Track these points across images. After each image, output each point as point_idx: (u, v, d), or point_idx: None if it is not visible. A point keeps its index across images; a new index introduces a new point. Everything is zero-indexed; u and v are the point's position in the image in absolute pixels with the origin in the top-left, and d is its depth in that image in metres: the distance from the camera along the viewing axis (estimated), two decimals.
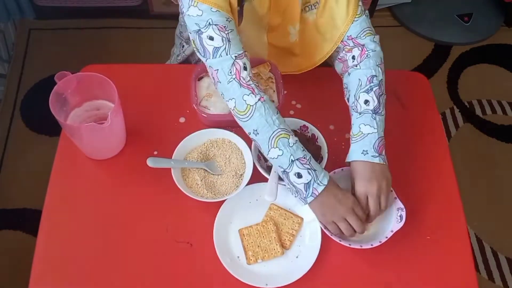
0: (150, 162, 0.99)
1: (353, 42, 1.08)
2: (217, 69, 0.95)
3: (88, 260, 0.97)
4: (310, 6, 1.09)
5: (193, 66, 1.29)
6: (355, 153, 0.99)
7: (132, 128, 1.11)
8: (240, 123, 0.97)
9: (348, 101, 1.06)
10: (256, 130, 0.95)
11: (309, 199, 0.93)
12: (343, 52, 1.10)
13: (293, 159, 0.93)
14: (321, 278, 0.98)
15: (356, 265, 1.00)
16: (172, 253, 0.99)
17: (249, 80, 0.95)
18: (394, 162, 1.12)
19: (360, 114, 1.01)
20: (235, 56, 0.95)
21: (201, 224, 1.01)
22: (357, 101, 1.03)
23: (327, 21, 1.09)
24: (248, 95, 0.94)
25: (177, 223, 1.02)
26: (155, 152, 1.09)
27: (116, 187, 1.06)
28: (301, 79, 1.23)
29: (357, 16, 1.07)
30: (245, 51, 0.97)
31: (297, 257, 1.00)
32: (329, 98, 1.21)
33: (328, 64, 1.17)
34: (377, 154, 0.98)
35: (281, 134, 0.94)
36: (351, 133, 1.02)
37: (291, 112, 1.17)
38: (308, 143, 1.10)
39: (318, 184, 0.93)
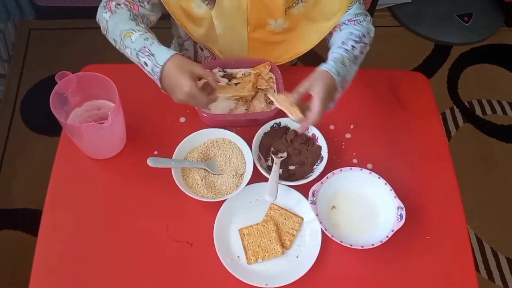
0: (151, 162, 0.99)
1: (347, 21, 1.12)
2: (98, 9, 1.07)
3: (88, 260, 0.97)
4: (297, 1, 1.09)
5: None
6: (329, 67, 0.98)
7: (133, 127, 1.11)
8: (110, 41, 1.05)
9: (331, 47, 1.09)
10: (114, 39, 1.03)
11: (159, 83, 0.98)
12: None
13: (137, 52, 0.98)
14: (321, 278, 0.98)
15: (356, 265, 1.00)
16: (172, 253, 0.99)
17: (113, 5, 1.04)
18: (394, 162, 1.12)
19: (345, 50, 1.03)
20: None
21: (201, 224, 1.01)
22: (345, 44, 1.05)
23: (318, 13, 1.11)
24: (106, 13, 1.04)
25: (177, 223, 1.02)
26: (156, 152, 1.09)
27: (117, 187, 1.06)
28: (301, 79, 1.23)
29: (350, 5, 1.10)
30: (132, 2, 1.05)
31: (297, 257, 1.00)
32: None
33: None
34: (341, 87, 0.99)
35: (126, 34, 0.99)
36: (329, 55, 1.03)
37: None
38: (308, 143, 1.10)
39: (156, 66, 0.95)
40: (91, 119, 1.08)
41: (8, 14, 2.13)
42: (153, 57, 0.96)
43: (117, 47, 1.04)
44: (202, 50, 1.26)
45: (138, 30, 0.99)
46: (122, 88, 0.99)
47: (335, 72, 0.97)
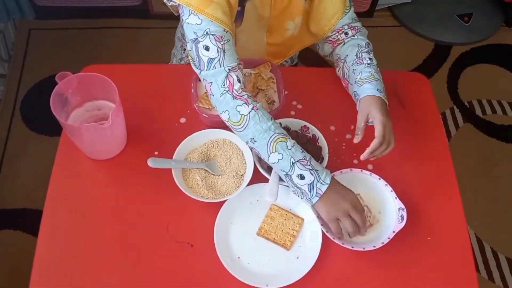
0: (151, 163, 0.99)
1: (347, 26, 1.15)
2: (211, 82, 0.96)
3: (89, 260, 0.97)
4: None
5: None
6: (370, 90, 1.05)
7: (133, 128, 1.11)
8: (237, 134, 0.98)
9: (343, 67, 1.13)
10: (253, 139, 0.96)
11: (314, 200, 0.94)
12: (334, 34, 1.15)
13: (293, 161, 0.93)
14: (322, 278, 0.98)
15: (357, 266, 1.00)
16: (172, 254, 0.99)
17: (241, 92, 0.96)
18: (394, 162, 1.12)
19: (368, 65, 1.09)
20: (229, 69, 0.95)
21: (201, 224, 1.01)
22: (360, 59, 1.09)
23: (318, 15, 1.12)
24: (241, 106, 0.95)
25: (177, 224, 1.02)
26: (156, 153, 1.09)
27: (117, 187, 1.06)
28: (302, 79, 1.24)
29: (346, 9, 1.12)
30: (239, 63, 0.98)
31: (297, 257, 1.00)
32: (330, 99, 1.21)
33: (328, 64, 1.18)
34: (386, 97, 1.05)
35: (279, 138, 0.94)
36: (357, 77, 1.08)
37: (292, 113, 1.17)
38: (308, 143, 1.10)
39: (321, 183, 0.93)
40: (92, 120, 1.08)
41: (8, 14, 2.13)
42: (316, 173, 0.93)
43: (251, 145, 0.97)
44: None
45: (289, 137, 0.96)
46: (122, 88, 0.99)
47: (377, 92, 1.04)
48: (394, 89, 1.23)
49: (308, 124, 1.11)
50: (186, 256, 0.99)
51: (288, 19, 1.12)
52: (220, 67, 0.95)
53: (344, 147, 1.13)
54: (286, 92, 1.13)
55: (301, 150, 0.95)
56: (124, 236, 1.00)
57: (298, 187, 0.94)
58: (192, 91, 1.09)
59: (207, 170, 1.05)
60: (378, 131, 1.01)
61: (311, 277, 0.96)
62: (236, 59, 0.98)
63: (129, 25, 2.28)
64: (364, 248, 0.96)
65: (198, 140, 1.08)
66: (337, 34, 1.15)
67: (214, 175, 1.05)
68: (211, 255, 0.97)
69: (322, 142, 1.08)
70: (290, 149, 0.94)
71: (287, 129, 1.11)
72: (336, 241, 0.96)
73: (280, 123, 1.10)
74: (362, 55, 1.10)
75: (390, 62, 2.26)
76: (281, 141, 0.94)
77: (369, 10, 2.38)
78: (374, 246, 0.96)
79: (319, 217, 0.97)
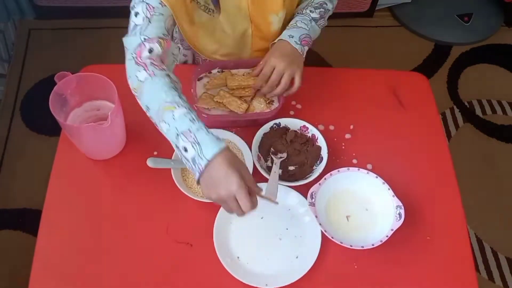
0: (150, 163, 0.99)
1: None
2: (126, 47, 0.96)
3: (88, 260, 0.97)
4: None
5: (193, 66, 1.29)
6: (282, 36, 1.09)
7: (132, 128, 1.11)
8: (139, 103, 0.94)
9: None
10: (148, 106, 0.91)
11: (197, 176, 0.84)
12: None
13: (177, 133, 0.85)
14: (321, 278, 0.98)
15: (356, 266, 1.00)
16: (172, 254, 0.99)
17: (146, 59, 0.92)
18: (394, 162, 1.12)
19: (301, 15, 1.13)
20: (145, 39, 0.94)
21: (201, 224, 1.01)
22: (304, 9, 1.14)
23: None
24: (140, 72, 0.91)
25: (177, 224, 1.02)
26: (155, 153, 1.09)
27: (116, 187, 1.06)
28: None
29: None
30: (162, 39, 0.95)
31: (297, 257, 1.00)
32: (329, 99, 1.21)
33: (328, 64, 1.17)
34: (299, 42, 1.08)
35: (167, 106, 0.87)
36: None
37: (292, 113, 1.17)
38: (308, 143, 1.10)
39: (201, 158, 0.82)
40: (91, 120, 1.08)
41: (8, 14, 2.13)
42: (198, 146, 0.83)
43: (148, 114, 0.92)
44: None
45: (181, 106, 0.86)
46: (121, 88, 0.99)
47: (287, 37, 1.08)
48: (394, 89, 1.23)
49: (307, 124, 1.11)
50: (185, 256, 0.99)
51: (270, 12, 1.11)
52: (139, 35, 0.94)
53: (343, 147, 1.13)
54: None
55: (190, 120, 0.85)
56: (124, 236, 1.00)
57: (186, 160, 0.85)
58: (192, 91, 1.09)
59: None
60: (260, 65, 1.07)
61: (311, 277, 0.96)
62: (160, 33, 0.95)
63: None
64: (362, 247, 0.96)
65: None
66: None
67: None
68: (211, 255, 0.97)
69: (322, 142, 1.08)
70: (176, 119, 0.85)
71: (286, 128, 1.11)
72: (334, 240, 0.96)
73: (279, 122, 1.11)
74: (307, 8, 1.14)
75: (390, 62, 2.26)
76: (168, 109, 0.86)
77: (369, 10, 2.38)
78: (373, 245, 0.96)
79: (317, 216, 0.97)
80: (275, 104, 1.14)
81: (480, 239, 1.86)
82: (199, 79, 1.14)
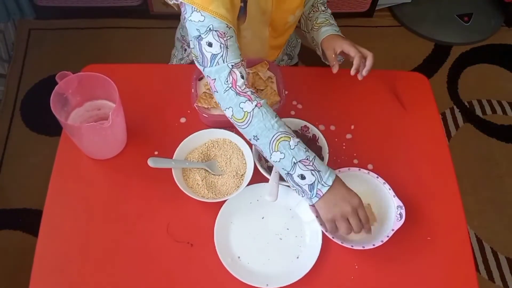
0: (151, 162, 0.99)
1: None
2: (214, 79, 0.96)
3: (88, 260, 0.97)
4: None
5: (194, 66, 1.29)
6: (328, 31, 1.15)
7: (133, 128, 1.11)
8: (240, 131, 0.98)
9: (301, 18, 1.24)
10: (256, 136, 0.95)
11: (314, 200, 0.93)
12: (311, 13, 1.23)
13: (295, 161, 0.92)
14: (322, 278, 0.98)
15: (357, 266, 1.00)
16: (172, 253, 0.99)
17: (245, 88, 0.95)
18: (395, 162, 1.12)
19: (323, 12, 1.20)
20: (232, 65, 0.95)
21: (201, 224, 1.01)
22: (315, 7, 1.22)
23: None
24: (245, 102, 0.94)
25: (177, 223, 1.02)
26: (156, 152, 1.09)
27: (117, 187, 1.06)
28: (302, 79, 1.24)
29: None
30: (242, 60, 0.98)
31: (297, 257, 1.00)
32: (330, 99, 1.21)
33: (329, 64, 1.17)
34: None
35: (281, 137, 0.93)
36: (313, 23, 1.19)
37: (292, 113, 1.17)
38: (309, 143, 1.10)
39: (322, 185, 0.92)
40: (92, 119, 1.08)
41: (8, 14, 2.13)
42: (318, 174, 0.92)
43: (253, 143, 0.97)
44: None
45: (293, 136, 0.94)
46: (122, 88, 0.99)
47: (335, 32, 1.16)
48: (394, 89, 1.23)
49: (308, 124, 1.11)
50: (186, 256, 0.99)
51: (289, 13, 1.12)
52: (223, 63, 0.95)
53: (344, 147, 1.13)
54: (286, 92, 1.13)
55: (304, 150, 0.94)
56: (124, 235, 1.00)
57: (299, 186, 0.94)
58: (192, 91, 1.09)
59: (207, 170, 1.05)
60: (353, 51, 1.08)
61: (311, 277, 0.96)
62: (239, 55, 0.97)
63: (129, 25, 2.28)
64: (363, 247, 0.96)
65: (198, 140, 1.08)
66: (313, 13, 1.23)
67: (214, 175, 1.05)
68: (211, 255, 0.97)
69: (322, 142, 1.08)
70: (293, 148, 0.93)
71: None
72: (335, 240, 0.96)
73: None
74: (317, 5, 1.21)
75: (390, 62, 2.26)
76: (283, 140, 0.93)
77: (369, 10, 2.38)
78: (374, 245, 0.96)
79: (318, 216, 0.97)
80: (276, 105, 1.14)
81: (480, 239, 1.86)
82: (200, 79, 1.14)
